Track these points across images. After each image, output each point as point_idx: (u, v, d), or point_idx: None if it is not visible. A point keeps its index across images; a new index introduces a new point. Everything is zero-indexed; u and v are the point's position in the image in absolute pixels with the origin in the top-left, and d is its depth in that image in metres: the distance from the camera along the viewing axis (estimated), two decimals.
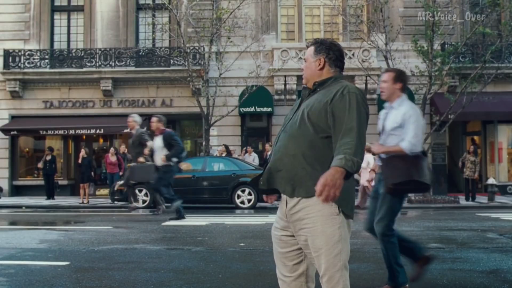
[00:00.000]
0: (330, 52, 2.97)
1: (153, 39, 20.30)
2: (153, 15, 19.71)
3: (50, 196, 18.18)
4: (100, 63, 19.79)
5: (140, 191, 15.11)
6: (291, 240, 2.85)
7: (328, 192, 2.55)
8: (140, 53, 19.99)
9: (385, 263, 4.64)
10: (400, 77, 4.71)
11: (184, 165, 10.92)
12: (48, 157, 18.20)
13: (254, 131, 20.62)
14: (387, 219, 4.59)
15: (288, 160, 2.77)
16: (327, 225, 2.69)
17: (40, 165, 18.47)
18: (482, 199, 17.29)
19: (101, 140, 21.88)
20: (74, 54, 20.11)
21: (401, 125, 4.57)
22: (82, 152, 17.48)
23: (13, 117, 20.39)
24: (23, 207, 16.12)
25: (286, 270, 2.88)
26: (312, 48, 2.99)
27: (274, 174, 2.82)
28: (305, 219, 2.72)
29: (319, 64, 2.94)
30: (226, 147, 17.99)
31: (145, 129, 19.59)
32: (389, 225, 4.61)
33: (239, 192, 14.85)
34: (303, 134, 2.77)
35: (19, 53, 19.94)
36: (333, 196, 2.56)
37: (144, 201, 15.04)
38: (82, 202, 16.78)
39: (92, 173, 17.53)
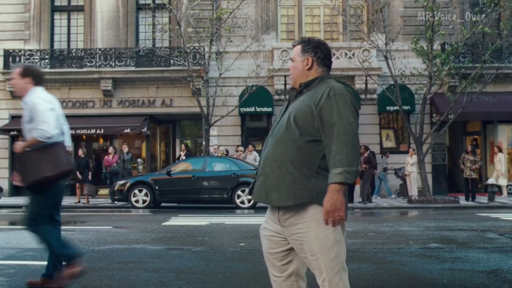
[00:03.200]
0: (318, 51, 2.86)
1: (153, 39, 20.29)
2: (153, 15, 19.71)
3: None
4: (100, 63, 19.79)
5: (140, 191, 15.13)
6: (282, 241, 2.82)
7: (333, 217, 2.57)
8: (140, 53, 19.98)
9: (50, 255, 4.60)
10: (27, 71, 4.61)
11: None
12: None
13: (254, 131, 20.62)
14: (32, 213, 4.60)
15: (276, 166, 2.71)
16: (320, 230, 2.67)
17: None
18: (482, 199, 17.28)
19: (101, 140, 21.87)
20: (74, 54, 20.11)
21: (32, 117, 4.43)
22: (80, 152, 17.48)
23: (13, 117, 20.36)
24: (23, 207, 16.08)
25: (276, 270, 2.86)
26: (299, 47, 2.89)
27: (264, 181, 2.76)
28: (298, 224, 2.70)
29: (307, 64, 2.84)
30: (186, 145, 18.56)
31: (145, 129, 19.74)
32: (33, 218, 4.60)
33: (239, 192, 14.85)
34: (290, 139, 2.71)
35: (19, 53, 19.93)
36: (339, 218, 2.59)
37: (144, 201, 15.06)
38: (79, 202, 16.75)
39: (90, 173, 17.41)
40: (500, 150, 18.53)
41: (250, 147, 17.71)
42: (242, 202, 14.79)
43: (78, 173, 17.21)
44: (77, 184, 17.36)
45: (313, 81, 2.83)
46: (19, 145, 4.55)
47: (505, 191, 18.41)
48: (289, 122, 2.74)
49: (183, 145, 18.74)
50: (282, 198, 2.69)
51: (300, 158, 2.67)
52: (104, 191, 20.02)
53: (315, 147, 2.68)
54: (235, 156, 17.06)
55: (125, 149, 18.12)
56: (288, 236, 2.77)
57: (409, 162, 17.91)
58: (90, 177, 17.28)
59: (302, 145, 2.68)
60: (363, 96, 19.79)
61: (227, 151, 17.92)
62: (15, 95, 4.70)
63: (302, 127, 2.69)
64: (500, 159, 18.04)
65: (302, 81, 2.86)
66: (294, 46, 2.95)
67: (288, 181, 2.67)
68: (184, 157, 17.58)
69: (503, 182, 17.94)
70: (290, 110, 2.79)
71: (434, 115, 19.47)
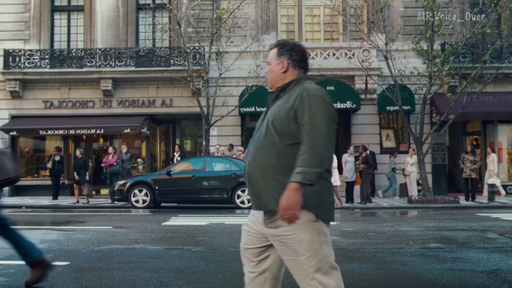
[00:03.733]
0: (293, 53, 2.84)
1: (153, 39, 20.29)
2: (153, 15, 19.71)
3: (56, 196, 18.09)
4: (100, 63, 19.79)
5: (140, 191, 15.13)
6: (261, 238, 2.81)
7: (287, 215, 2.55)
8: (140, 53, 19.98)
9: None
10: None
11: None
12: (57, 158, 18.12)
13: (254, 131, 20.59)
14: None
15: (259, 172, 2.71)
16: (305, 233, 2.66)
17: (49, 165, 18.39)
18: (482, 199, 17.28)
19: (101, 140, 21.87)
20: (74, 54, 20.11)
21: None
22: (77, 153, 17.47)
23: (13, 117, 20.38)
24: (23, 207, 16.11)
25: (251, 266, 2.86)
26: (274, 51, 2.88)
27: (252, 189, 2.77)
28: (283, 227, 2.68)
29: (283, 67, 2.84)
30: (180, 146, 18.58)
31: (145, 129, 19.72)
32: None
33: (239, 192, 14.85)
34: (271, 144, 2.70)
35: (19, 53, 19.94)
36: (293, 217, 2.56)
37: (144, 201, 15.05)
38: (77, 202, 16.74)
39: (87, 174, 17.36)
40: (493, 151, 18.54)
41: None
42: (242, 202, 14.79)
43: (75, 173, 17.19)
44: (75, 185, 17.36)
45: (289, 84, 2.83)
46: None
47: (502, 190, 18.32)
48: (268, 128, 2.73)
49: (176, 146, 18.70)
50: (269, 203, 2.70)
51: (281, 162, 2.66)
52: (104, 191, 20.03)
53: (295, 151, 2.66)
54: (234, 156, 17.06)
55: (124, 149, 18.11)
56: (271, 237, 2.76)
57: (409, 162, 17.91)
58: (87, 177, 17.24)
59: (283, 149, 2.68)
60: (363, 96, 19.79)
61: None
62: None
63: (280, 131, 2.69)
64: (493, 159, 18.04)
65: (278, 85, 2.86)
66: (270, 49, 2.94)
67: (272, 186, 2.67)
68: (178, 158, 17.55)
69: (496, 182, 17.92)
70: (268, 115, 2.79)
71: (434, 115, 19.48)
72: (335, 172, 15.16)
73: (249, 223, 2.90)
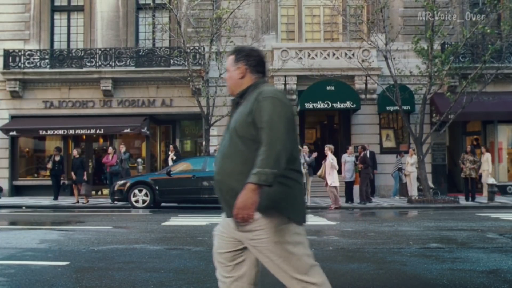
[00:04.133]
0: (250, 58, 2.85)
1: (153, 39, 20.29)
2: (153, 15, 19.70)
3: (56, 196, 18.08)
4: (100, 63, 19.79)
5: (140, 191, 15.13)
6: (234, 242, 2.81)
7: (242, 214, 2.55)
8: (140, 53, 19.98)
9: None
10: None
11: None
12: (57, 158, 18.12)
13: None
14: None
15: (227, 180, 2.72)
16: (278, 236, 2.66)
17: (49, 165, 18.39)
18: (482, 199, 17.28)
19: (101, 140, 21.87)
20: (74, 54, 20.10)
21: None
22: (75, 153, 17.46)
23: (13, 117, 20.38)
24: (23, 207, 16.12)
25: (227, 270, 2.84)
26: (232, 57, 2.89)
27: (222, 197, 2.78)
28: (256, 231, 2.68)
29: (240, 73, 2.85)
30: (175, 146, 18.59)
31: (145, 129, 19.70)
32: None
33: None
34: (236, 151, 2.70)
35: (19, 53, 19.93)
36: (247, 217, 2.55)
37: (144, 201, 15.05)
38: (77, 202, 16.74)
39: (85, 173, 17.32)
40: (488, 150, 18.55)
41: None
42: None
43: (72, 173, 17.18)
44: (73, 185, 17.35)
45: (247, 89, 2.83)
46: None
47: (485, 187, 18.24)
48: (232, 135, 2.74)
49: (171, 146, 18.72)
50: None
51: (247, 168, 2.62)
52: (105, 191, 20.01)
53: None
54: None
55: (123, 148, 18.10)
56: (245, 241, 2.76)
57: (409, 162, 17.90)
58: (85, 177, 17.21)
59: (249, 155, 2.66)
60: (363, 96, 19.78)
61: None
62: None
63: (243, 137, 2.68)
64: (487, 159, 18.03)
65: (238, 91, 2.87)
66: (228, 56, 2.95)
67: (240, 192, 2.62)
68: (174, 157, 17.53)
69: (490, 181, 17.93)
70: (231, 123, 2.79)
71: (434, 115, 19.47)
72: (334, 172, 15.18)
73: (220, 228, 2.90)
